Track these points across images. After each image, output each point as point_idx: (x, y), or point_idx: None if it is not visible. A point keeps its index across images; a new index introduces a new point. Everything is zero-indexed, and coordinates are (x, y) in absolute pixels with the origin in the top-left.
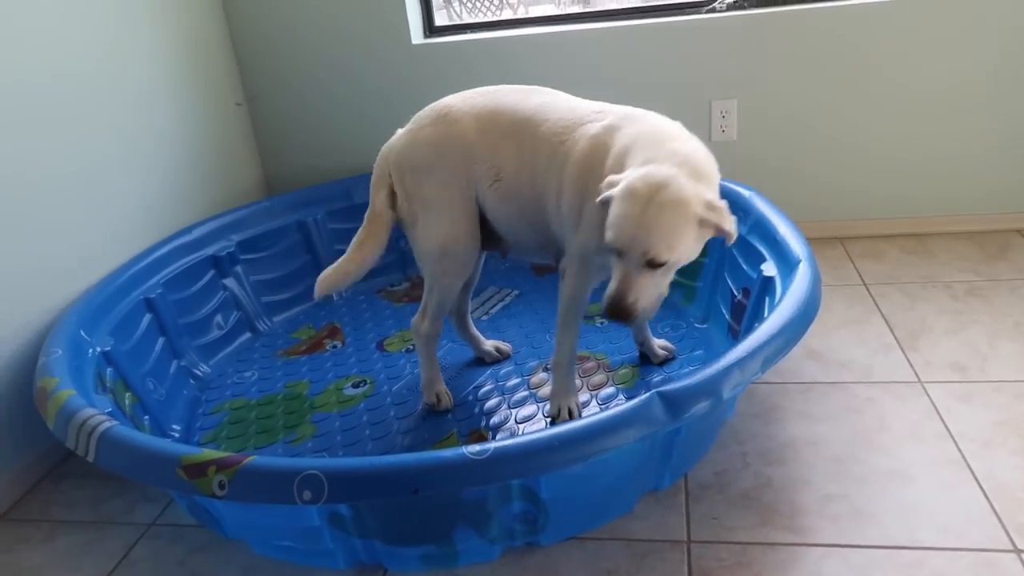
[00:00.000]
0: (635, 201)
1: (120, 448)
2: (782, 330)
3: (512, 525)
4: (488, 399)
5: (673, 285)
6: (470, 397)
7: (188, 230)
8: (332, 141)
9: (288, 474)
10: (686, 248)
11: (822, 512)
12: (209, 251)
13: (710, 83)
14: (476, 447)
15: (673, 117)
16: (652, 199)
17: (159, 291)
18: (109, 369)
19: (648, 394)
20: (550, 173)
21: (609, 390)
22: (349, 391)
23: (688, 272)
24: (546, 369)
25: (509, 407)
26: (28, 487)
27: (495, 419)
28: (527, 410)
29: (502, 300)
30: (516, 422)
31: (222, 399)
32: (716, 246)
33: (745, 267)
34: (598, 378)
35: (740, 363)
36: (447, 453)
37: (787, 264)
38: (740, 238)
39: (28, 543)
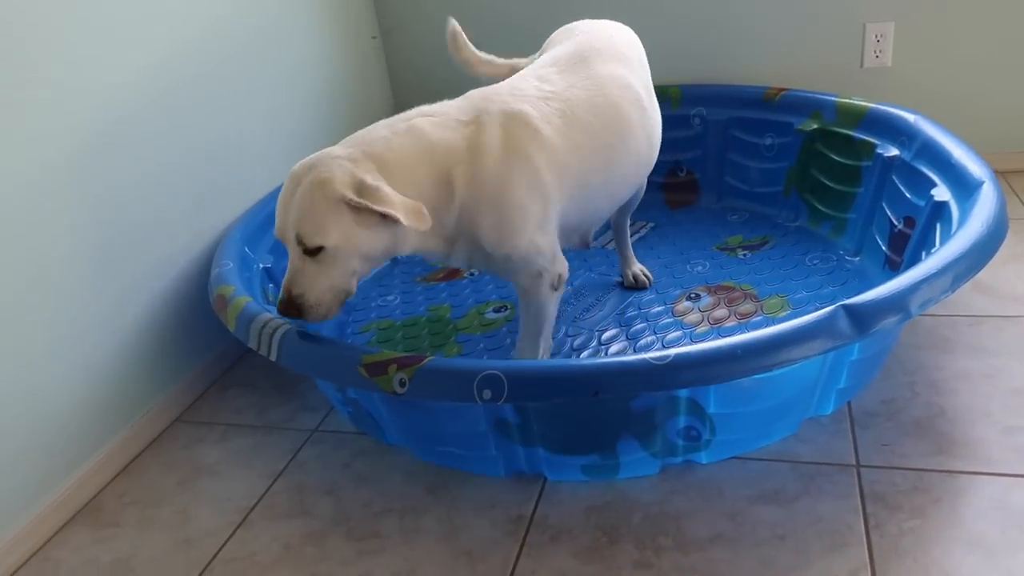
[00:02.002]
0: (288, 184)
1: (302, 348)
2: (972, 248)
3: (675, 440)
4: (632, 324)
5: (821, 217)
6: (614, 324)
7: None
8: (463, 75)
9: (469, 373)
10: (343, 233)
11: (1005, 443)
12: None
13: (864, 3)
14: (657, 352)
15: (821, 42)
16: (301, 181)
17: None
18: (270, 285)
19: (833, 307)
20: None
21: (758, 319)
22: (491, 315)
23: (837, 203)
24: (689, 298)
25: (654, 333)
26: (200, 392)
27: (642, 342)
28: (672, 334)
29: (637, 232)
30: (663, 346)
31: (368, 320)
32: (872, 175)
33: (909, 195)
34: (746, 307)
35: (929, 279)
36: (628, 358)
37: (965, 187)
38: (904, 164)
39: (204, 442)
